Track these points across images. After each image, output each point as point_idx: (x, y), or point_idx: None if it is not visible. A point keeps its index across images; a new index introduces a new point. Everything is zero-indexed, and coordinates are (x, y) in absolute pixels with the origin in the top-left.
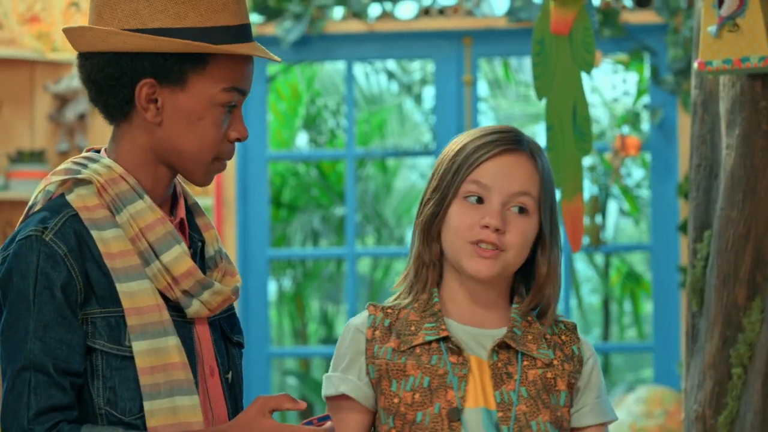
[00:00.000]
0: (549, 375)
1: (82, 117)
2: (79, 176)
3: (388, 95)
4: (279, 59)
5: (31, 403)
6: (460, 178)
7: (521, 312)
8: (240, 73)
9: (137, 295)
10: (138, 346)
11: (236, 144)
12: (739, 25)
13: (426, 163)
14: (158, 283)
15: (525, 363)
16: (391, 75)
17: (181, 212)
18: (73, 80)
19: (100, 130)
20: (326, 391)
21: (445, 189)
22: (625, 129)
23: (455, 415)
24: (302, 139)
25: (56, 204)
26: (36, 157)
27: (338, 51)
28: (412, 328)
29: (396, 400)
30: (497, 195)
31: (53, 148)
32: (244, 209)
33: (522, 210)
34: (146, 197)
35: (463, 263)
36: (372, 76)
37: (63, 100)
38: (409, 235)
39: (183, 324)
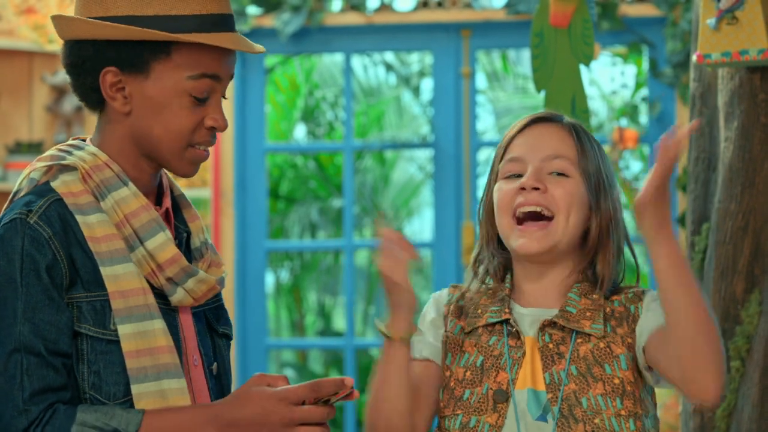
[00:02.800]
0: (602, 345)
1: (79, 108)
2: (64, 162)
3: (387, 87)
4: (258, 50)
5: (24, 384)
6: (498, 160)
7: (582, 289)
8: (208, 61)
9: (122, 279)
10: (123, 329)
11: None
12: (738, 18)
13: (424, 156)
14: (143, 269)
15: (578, 340)
16: (389, 67)
17: (167, 202)
18: None
19: None
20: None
21: (490, 174)
22: (624, 122)
23: (501, 396)
24: (300, 131)
25: (41, 189)
26: (34, 148)
27: (337, 43)
28: (479, 311)
29: (447, 374)
30: (530, 162)
31: (51, 139)
32: (242, 201)
33: (560, 174)
34: (130, 184)
35: (511, 242)
36: (370, 68)
37: (60, 92)
38: (406, 227)
39: (167, 312)
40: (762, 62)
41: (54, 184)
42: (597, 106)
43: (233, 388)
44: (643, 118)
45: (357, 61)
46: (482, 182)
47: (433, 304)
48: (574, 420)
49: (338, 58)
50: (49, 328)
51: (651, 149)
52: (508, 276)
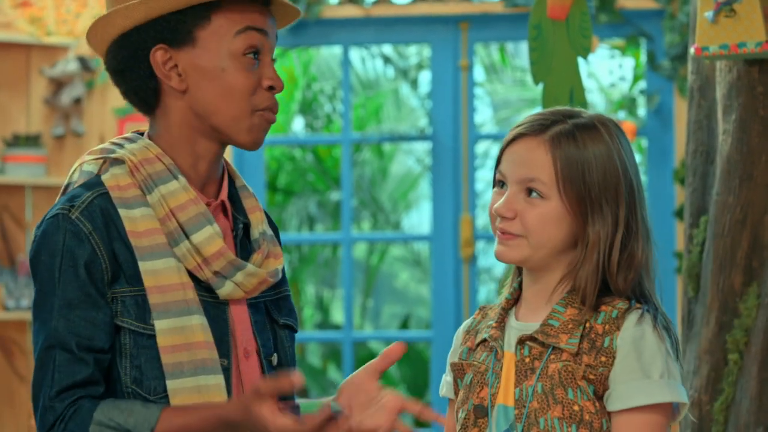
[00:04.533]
0: (570, 368)
1: (77, 101)
2: (113, 155)
3: (385, 80)
4: (298, 11)
5: (54, 380)
6: (495, 168)
7: (571, 299)
8: (248, 14)
9: (161, 273)
10: (160, 325)
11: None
12: (735, 11)
13: (422, 148)
14: (188, 263)
15: (551, 356)
16: (387, 60)
17: (224, 194)
18: (68, 64)
19: (96, 114)
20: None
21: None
22: (622, 114)
23: (480, 411)
24: (298, 124)
25: (90, 183)
26: (31, 141)
27: (334, 36)
28: (485, 326)
29: (456, 398)
30: (510, 182)
31: (49, 132)
32: None
33: (536, 194)
34: (181, 178)
35: (495, 247)
36: (368, 60)
37: (58, 84)
38: (404, 220)
39: (216, 305)
40: (760, 55)
41: (104, 177)
42: (595, 98)
43: None
44: (641, 110)
45: (355, 54)
46: (480, 175)
47: (454, 342)
48: None
49: (336, 50)
50: (85, 325)
51: (649, 142)
52: (516, 286)
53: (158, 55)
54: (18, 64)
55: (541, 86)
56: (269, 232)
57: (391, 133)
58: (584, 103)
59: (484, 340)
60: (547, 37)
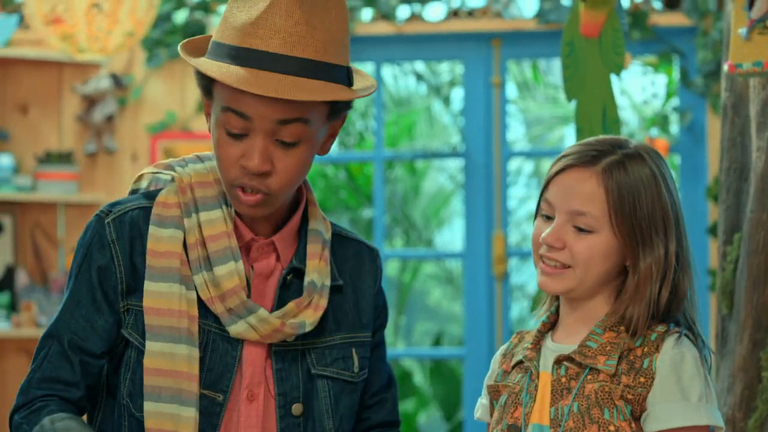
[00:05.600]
0: (607, 388)
1: (109, 118)
2: (163, 174)
3: (417, 97)
4: (279, 95)
5: (41, 368)
6: (541, 193)
7: (609, 322)
8: (230, 95)
9: (162, 296)
10: (150, 346)
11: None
12: None
13: (454, 165)
14: (203, 293)
15: (588, 377)
16: (419, 77)
17: (278, 236)
18: (100, 81)
19: (128, 130)
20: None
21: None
22: (654, 131)
23: (514, 431)
24: None
25: (151, 193)
26: (64, 158)
27: (367, 53)
28: (520, 348)
29: (491, 419)
30: (559, 213)
31: (81, 149)
32: None
33: (583, 229)
34: (226, 207)
35: (537, 277)
36: (401, 78)
37: (91, 102)
38: (437, 237)
39: (228, 338)
40: None
41: (161, 192)
42: (628, 115)
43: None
44: (674, 127)
45: (387, 71)
46: (513, 192)
47: (492, 361)
48: None
49: (369, 67)
50: (84, 325)
51: (682, 159)
52: (553, 310)
53: (204, 102)
54: (50, 81)
55: (573, 103)
56: (323, 282)
57: (424, 150)
58: (617, 120)
59: (520, 362)
60: (580, 54)
